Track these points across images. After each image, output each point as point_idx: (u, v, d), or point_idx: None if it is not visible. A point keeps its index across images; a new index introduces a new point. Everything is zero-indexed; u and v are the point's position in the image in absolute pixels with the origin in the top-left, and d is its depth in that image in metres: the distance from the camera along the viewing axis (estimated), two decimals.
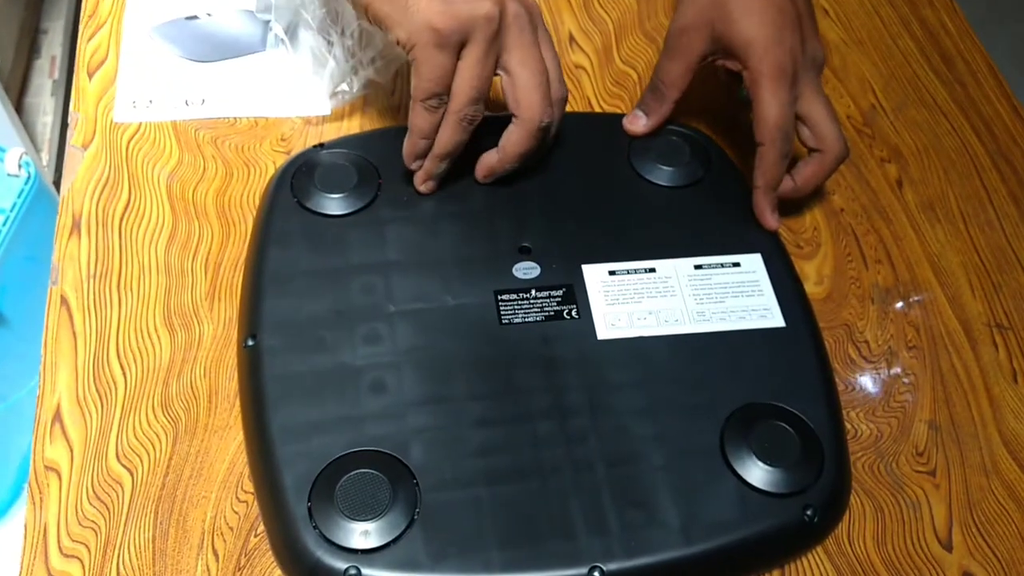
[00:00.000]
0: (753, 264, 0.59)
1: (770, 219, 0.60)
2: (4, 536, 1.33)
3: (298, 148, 0.65)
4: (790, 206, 0.66)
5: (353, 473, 0.49)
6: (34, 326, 1.38)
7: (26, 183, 1.29)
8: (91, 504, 0.51)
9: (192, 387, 0.55)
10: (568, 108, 0.70)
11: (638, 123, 0.65)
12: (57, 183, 1.68)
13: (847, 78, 0.75)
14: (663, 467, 0.50)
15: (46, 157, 1.60)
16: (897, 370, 0.59)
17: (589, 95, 0.71)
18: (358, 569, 0.46)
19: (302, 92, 0.68)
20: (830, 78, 0.74)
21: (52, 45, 1.72)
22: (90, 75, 0.68)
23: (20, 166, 1.29)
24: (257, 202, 0.62)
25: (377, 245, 0.58)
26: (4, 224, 1.25)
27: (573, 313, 0.56)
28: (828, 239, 0.65)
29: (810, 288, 0.61)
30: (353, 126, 0.67)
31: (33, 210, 1.30)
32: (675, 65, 0.63)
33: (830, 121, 0.60)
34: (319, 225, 0.58)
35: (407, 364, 0.53)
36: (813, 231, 0.65)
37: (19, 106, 1.57)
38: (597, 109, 0.71)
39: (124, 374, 0.55)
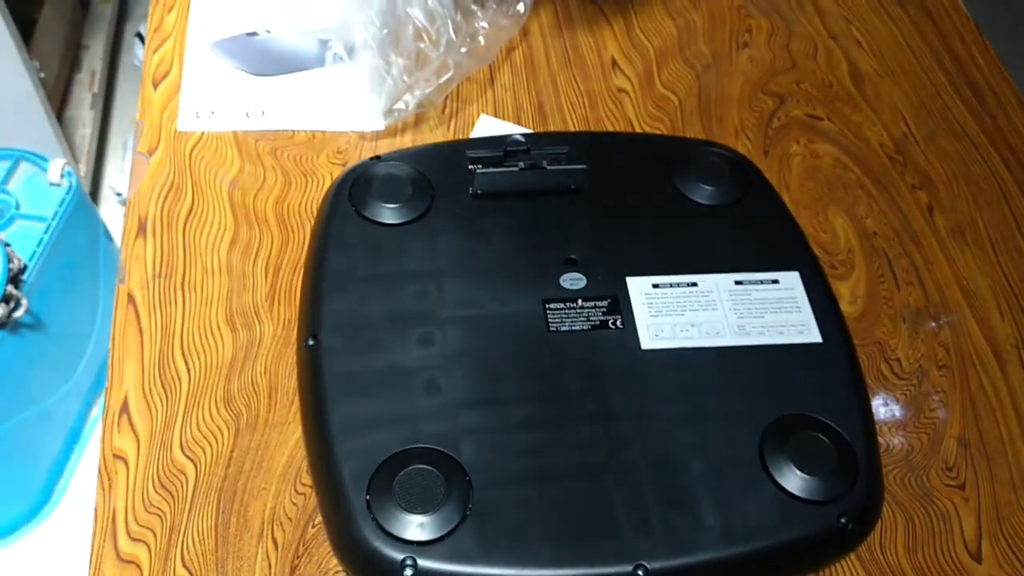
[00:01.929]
0: (791, 282, 0.61)
1: None
2: (36, 539, 1.35)
3: (353, 161, 0.68)
4: (826, 228, 0.68)
5: (410, 469, 0.51)
6: (70, 332, 1.41)
7: (67, 192, 1.32)
8: (157, 492, 0.53)
9: (253, 384, 0.57)
10: (611, 129, 0.73)
11: None
12: (94, 194, 1.71)
13: (880, 107, 0.77)
14: (704, 473, 0.53)
15: (84, 168, 1.64)
16: (928, 388, 0.61)
17: (631, 117, 0.74)
18: (414, 560, 0.48)
19: (357, 108, 0.71)
20: (863, 106, 0.77)
21: (93, 60, 1.76)
22: (155, 85, 0.71)
23: (62, 176, 1.33)
24: (314, 211, 0.65)
25: (431, 253, 0.60)
26: (45, 232, 1.28)
27: (618, 323, 0.58)
28: (861, 261, 0.67)
29: (844, 307, 0.63)
30: (405, 141, 0.70)
31: (72, 219, 1.33)
32: None
33: None
34: (376, 233, 0.61)
35: (459, 367, 0.55)
36: (847, 253, 0.68)
37: (59, 118, 1.61)
38: (639, 130, 0.73)
39: (188, 370, 0.58)
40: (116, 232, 1.50)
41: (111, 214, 1.65)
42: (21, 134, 1.48)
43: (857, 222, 0.69)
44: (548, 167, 0.62)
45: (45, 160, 1.33)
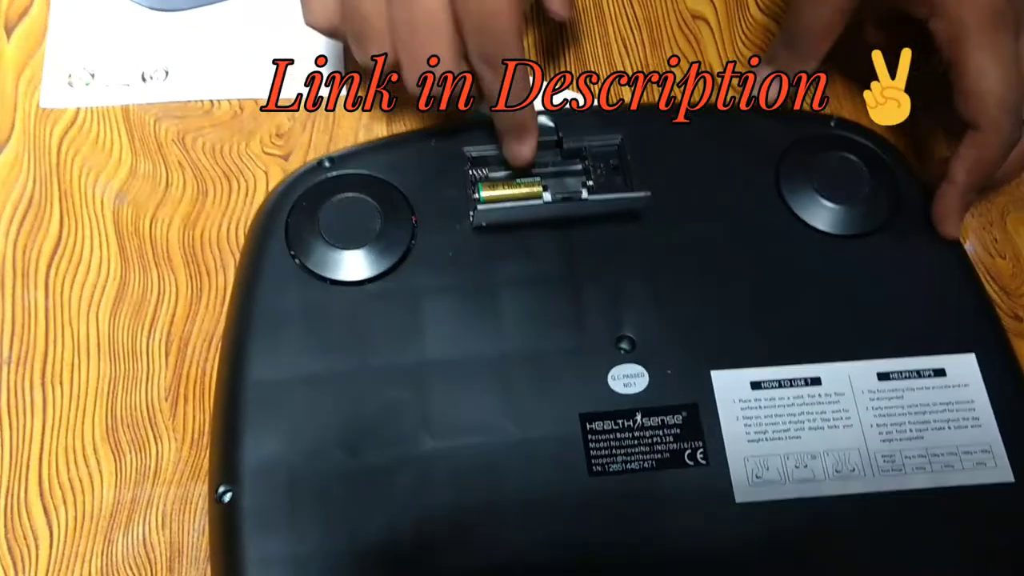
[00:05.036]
0: (964, 370, 0.39)
1: (954, 227, 0.42)
2: None
3: (302, 148, 0.46)
4: (1004, 250, 0.46)
5: None
6: None
7: None
8: None
9: (146, 546, 0.38)
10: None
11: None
12: None
13: None
14: None
15: None
16: None
17: (712, 60, 0.50)
18: None
19: (308, 57, 0.48)
20: None
21: None
22: (8, 32, 0.48)
23: None
24: (239, 238, 0.44)
25: (410, 332, 0.39)
26: None
27: (699, 456, 0.37)
28: None
29: None
30: (379, 114, 0.48)
31: None
32: (821, 7, 0.42)
33: None
34: (326, 297, 0.40)
35: (453, 550, 0.35)
36: None
37: None
38: (721, 82, 0.50)
39: (49, 524, 0.38)
40: None
41: None
42: None
43: None
44: (587, 196, 0.40)
45: None
